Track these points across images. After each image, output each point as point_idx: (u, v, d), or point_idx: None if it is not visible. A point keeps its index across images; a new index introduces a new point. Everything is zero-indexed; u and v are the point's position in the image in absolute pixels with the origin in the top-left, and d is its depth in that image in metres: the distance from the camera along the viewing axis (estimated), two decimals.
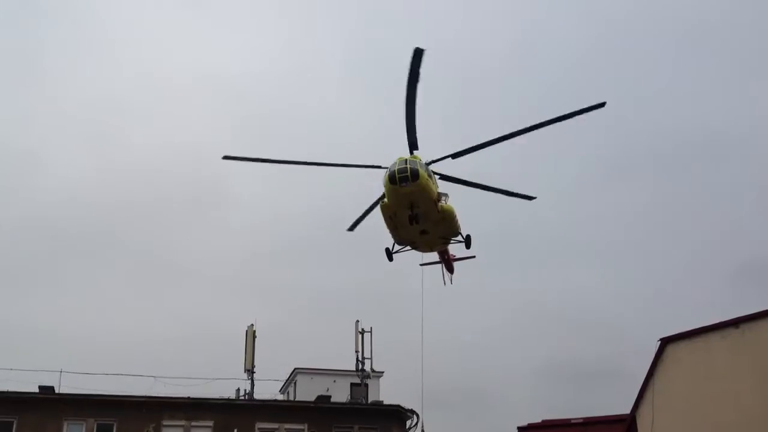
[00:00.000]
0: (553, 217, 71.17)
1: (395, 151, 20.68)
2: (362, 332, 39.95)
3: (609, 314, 66.52)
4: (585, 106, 20.38)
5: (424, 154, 20.92)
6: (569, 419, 31.32)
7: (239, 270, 74.42)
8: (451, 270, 28.01)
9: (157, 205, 77.90)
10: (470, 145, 21.01)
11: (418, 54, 18.20)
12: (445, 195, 22.04)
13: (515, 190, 23.44)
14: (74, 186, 74.48)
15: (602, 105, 20.35)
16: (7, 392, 30.84)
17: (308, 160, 22.06)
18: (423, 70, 18.46)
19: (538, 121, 20.70)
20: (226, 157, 22.03)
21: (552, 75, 77.67)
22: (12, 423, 30.34)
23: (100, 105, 79.36)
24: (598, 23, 79.46)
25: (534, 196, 23.43)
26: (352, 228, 23.89)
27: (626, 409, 27.39)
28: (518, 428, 31.75)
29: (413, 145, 20.33)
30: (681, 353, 26.00)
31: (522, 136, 20.97)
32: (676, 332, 26.32)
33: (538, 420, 32.28)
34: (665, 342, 26.26)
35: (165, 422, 31.77)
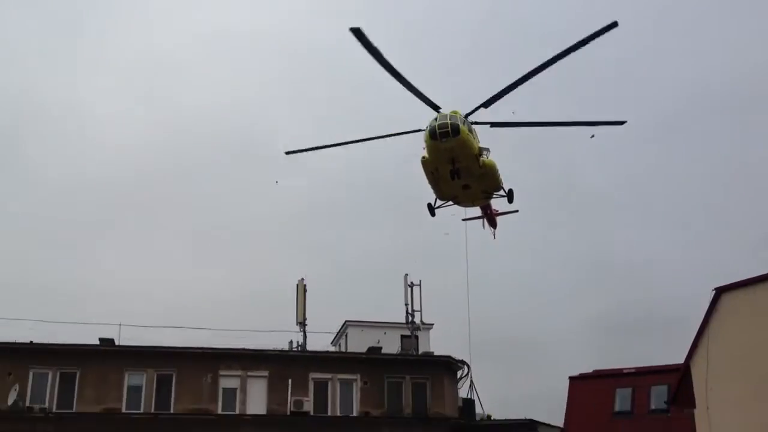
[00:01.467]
0: (609, 167, 70.51)
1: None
2: (411, 286, 40.32)
3: (663, 264, 66.06)
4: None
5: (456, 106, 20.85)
6: (621, 369, 31.46)
7: (289, 227, 75.29)
8: (494, 225, 28.07)
9: (207, 164, 78.73)
10: (499, 90, 20.67)
11: (357, 33, 17.95)
12: (487, 149, 21.98)
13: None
14: (128, 144, 75.71)
15: (615, 25, 19.76)
16: (70, 345, 31.79)
17: (366, 136, 21.76)
18: (375, 41, 18.14)
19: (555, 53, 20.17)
20: (289, 153, 22.14)
21: None
22: (75, 374, 31.26)
23: (149, 65, 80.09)
24: None
25: (624, 120, 21.45)
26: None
27: (679, 360, 27.38)
28: (570, 378, 32.05)
29: (434, 106, 20.33)
30: (736, 303, 25.80)
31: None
32: (731, 282, 26.12)
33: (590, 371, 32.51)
34: (720, 291, 26.08)
35: (222, 372, 32.52)
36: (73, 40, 78.79)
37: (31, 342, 31.67)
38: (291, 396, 32.31)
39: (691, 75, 73.37)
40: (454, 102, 20.97)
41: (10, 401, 30.07)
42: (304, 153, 22.38)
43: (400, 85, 19.65)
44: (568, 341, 62.72)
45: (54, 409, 30.49)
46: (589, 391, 31.63)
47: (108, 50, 79.29)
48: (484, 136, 22.05)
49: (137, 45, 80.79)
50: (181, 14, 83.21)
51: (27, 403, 30.25)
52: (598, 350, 57.05)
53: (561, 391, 33.17)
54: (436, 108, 20.31)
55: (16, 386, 30.26)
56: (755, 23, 72.75)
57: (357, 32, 18.00)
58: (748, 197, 67.24)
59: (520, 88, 20.24)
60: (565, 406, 32.63)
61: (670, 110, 73.60)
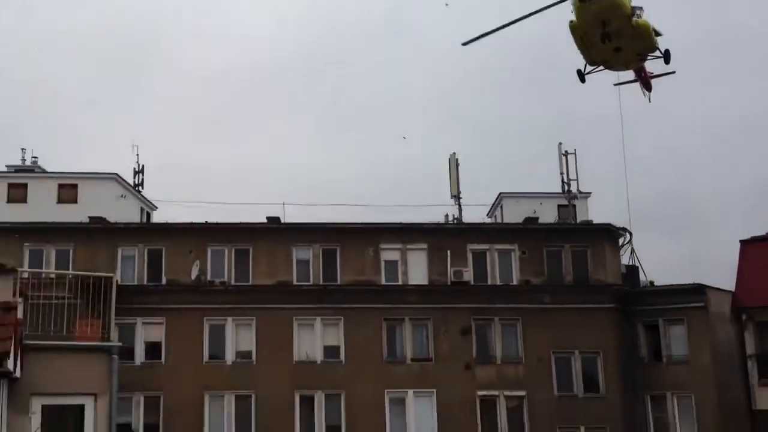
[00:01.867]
0: None
1: None
2: (566, 154, 39.65)
3: None
4: None
5: None
6: None
7: (432, 102, 75.11)
8: (649, 88, 26.70)
9: (341, 48, 79.15)
10: None
11: None
12: (640, 8, 20.77)
13: None
14: (266, 38, 77.10)
15: None
16: (242, 223, 33.80)
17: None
18: None
19: None
20: (465, 43, 21.82)
21: None
22: (248, 250, 33.29)
23: None
24: None
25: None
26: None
27: None
28: (741, 242, 30.87)
29: None
30: None
31: None
32: None
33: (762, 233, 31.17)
34: None
35: (383, 245, 33.63)
36: None
37: (206, 222, 33.90)
38: (450, 267, 33.05)
39: None
40: None
41: (192, 276, 32.65)
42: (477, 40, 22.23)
43: None
44: (737, 203, 60.10)
45: (233, 282, 32.79)
46: (762, 254, 30.42)
47: None
48: None
49: None
50: None
51: (208, 277, 32.70)
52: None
53: (732, 256, 32.15)
54: None
55: (197, 262, 32.67)
56: None
57: None
58: None
59: None
60: (736, 271, 31.64)
61: None
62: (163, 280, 32.64)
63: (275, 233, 33.87)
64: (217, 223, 33.85)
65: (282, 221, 34.48)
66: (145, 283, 32.45)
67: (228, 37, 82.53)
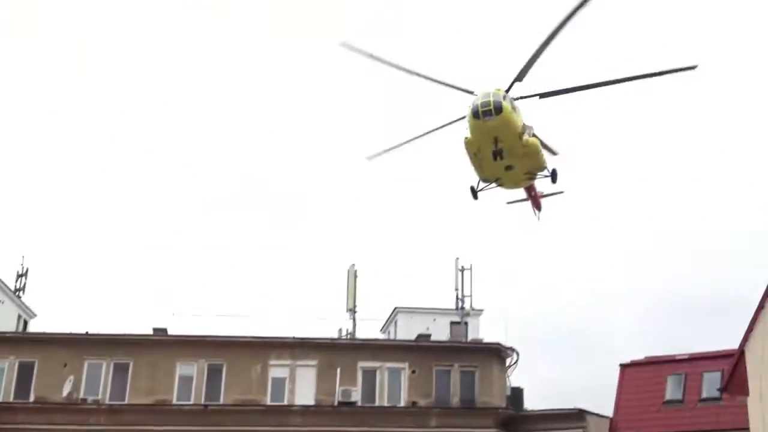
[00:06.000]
0: (671, 141, 68.26)
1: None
2: (462, 270, 39.94)
3: (724, 244, 63.99)
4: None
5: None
6: (674, 355, 30.56)
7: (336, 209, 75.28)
8: (539, 207, 27.54)
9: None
10: (561, 87, 20.44)
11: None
12: (530, 128, 21.55)
13: None
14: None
15: (693, 68, 19.41)
16: (123, 335, 32.46)
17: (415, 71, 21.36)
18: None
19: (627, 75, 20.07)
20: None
21: None
22: (128, 364, 31.87)
23: None
24: None
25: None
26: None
27: (735, 345, 26.39)
28: (621, 365, 31.27)
29: (521, 77, 19.87)
30: None
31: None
32: None
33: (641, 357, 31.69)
34: None
35: (272, 362, 32.75)
36: None
37: (86, 332, 32.43)
38: (339, 386, 32.34)
39: None
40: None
41: (65, 392, 30.84)
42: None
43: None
44: (622, 326, 61.37)
45: (107, 401, 31.18)
46: (640, 378, 30.78)
47: None
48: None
49: None
50: None
51: (81, 395, 31.02)
52: (653, 335, 55.67)
53: (612, 379, 32.44)
54: (518, 80, 19.98)
55: (71, 377, 31.05)
56: None
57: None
58: None
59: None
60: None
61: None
62: (32, 397, 30.79)
63: (159, 346, 32.65)
64: (97, 334, 32.39)
65: (169, 332, 33.27)
66: (11, 400, 30.56)
67: None
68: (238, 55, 79.82)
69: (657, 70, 20.12)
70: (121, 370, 31.67)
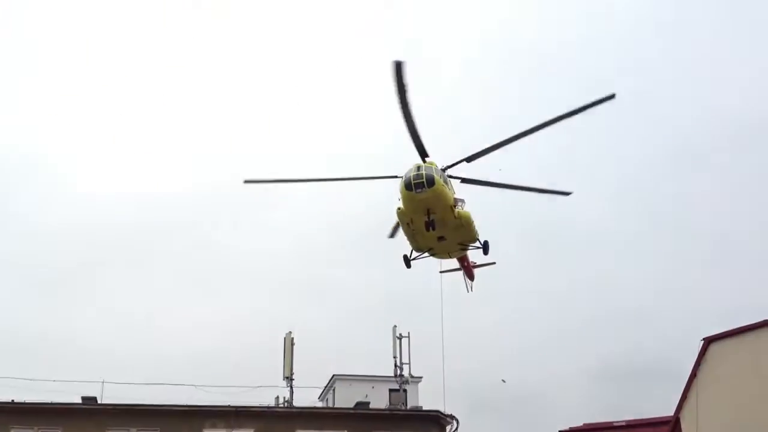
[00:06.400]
0: (592, 213, 70.41)
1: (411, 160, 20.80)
2: (400, 337, 39.87)
3: (656, 312, 65.69)
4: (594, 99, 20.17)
5: (440, 158, 21.07)
6: (612, 422, 31.02)
7: (274, 277, 74.72)
8: (471, 277, 27.95)
9: (190, 210, 78.61)
10: (485, 147, 21.02)
11: (398, 67, 18.08)
12: (462, 200, 22.04)
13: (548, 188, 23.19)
14: (109, 195, 75.53)
15: (612, 97, 20.13)
16: (52, 403, 31.26)
17: (327, 177, 22.07)
18: (408, 79, 18.31)
19: (548, 118, 20.55)
20: (247, 182, 22.51)
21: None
22: None
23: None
24: None
25: (570, 191, 22.97)
26: (392, 235, 23.86)
27: (672, 411, 27.04)
28: None
29: (423, 153, 20.43)
30: (725, 352, 25.62)
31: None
32: (721, 331, 25.94)
33: (580, 423, 32.03)
34: (708, 341, 25.90)
35: (206, 430, 31.95)
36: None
37: (13, 401, 31.13)
38: None
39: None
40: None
41: None
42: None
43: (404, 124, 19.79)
44: (562, 392, 61.95)
45: None
46: None
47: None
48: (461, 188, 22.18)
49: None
50: None
51: None
52: (592, 401, 56.40)
53: None
54: (424, 156, 20.42)
55: None
56: None
57: (398, 65, 18.04)
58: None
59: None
60: None
61: (658, 159, 74.37)
62: None
63: (89, 414, 31.56)
64: (24, 403, 31.11)
65: (100, 401, 32.14)
66: None
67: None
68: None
69: (578, 107, 20.52)
70: None
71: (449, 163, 21.37)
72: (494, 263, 27.34)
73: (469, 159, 21.28)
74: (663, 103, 76.45)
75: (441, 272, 27.72)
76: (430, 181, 19.95)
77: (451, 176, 21.46)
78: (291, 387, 38.11)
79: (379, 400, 37.51)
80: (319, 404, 40.52)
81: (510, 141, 20.67)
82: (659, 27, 77.70)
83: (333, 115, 78.98)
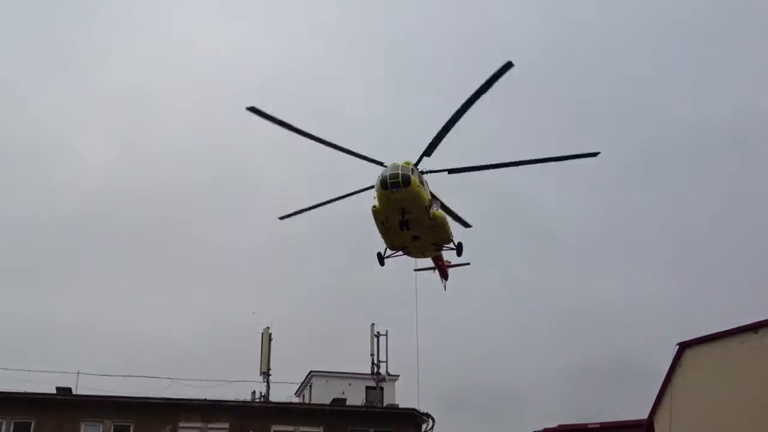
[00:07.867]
0: (575, 217, 70.99)
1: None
2: (378, 335, 39.90)
3: (631, 316, 66.31)
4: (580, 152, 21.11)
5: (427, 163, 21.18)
6: (586, 424, 31.06)
7: (253, 270, 74.56)
8: (445, 276, 28.04)
9: (170, 206, 78.35)
10: (470, 165, 21.39)
11: (506, 67, 18.33)
12: (438, 201, 22.10)
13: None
14: (94, 185, 75.07)
15: (595, 154, 20.74)
16: (25, 393, 30.96)
17: (325, 139, 21.60)
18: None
19: (535, 157, 21.35)
20: (249, 109, 21.17)
21: None
22: (30, 424, 30.45)
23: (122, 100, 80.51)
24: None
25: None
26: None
27: (646, 414, 27.22)
28: None
29: (428, 152, 20.48)
30: (699, 358, 25.89)
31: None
32: (695, 336, 26.20)
33: (554, 424, 32.06)
34: (683, 346, 26.16)
35: (181, 424, 31.78)
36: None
37: None
38: None
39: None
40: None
41: None
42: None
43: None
44: (537, 392, 62.31)
45: None
46: None
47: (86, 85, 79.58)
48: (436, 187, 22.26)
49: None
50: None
51: None
52: (568, 403, 56.75)
53: None
54: (426, 154, 20.53)
55: None
56: None
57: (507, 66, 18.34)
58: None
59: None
60: None
61: (635, 161, 75.01)
62: None
63: (64, 405, 31.28)
64: None
65: (74, 392, 31.89)
66: None
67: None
68: None
69: (561, 155, 21.10)
70: (22, 430, 30.08)
71: (431, 169, 21.45)
72: (468, 264, 27.48)
73: (450, 171, 21.54)
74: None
75: (415, 270, 27.82)
76: (406, 181, 20.01)
77: (434, 171, 21.49)
78: (267, 382, 38.05)
79: (356, 398, 37.51)
80: (296, 400, 40.41)
81: (495, 167, 21.14)
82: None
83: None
